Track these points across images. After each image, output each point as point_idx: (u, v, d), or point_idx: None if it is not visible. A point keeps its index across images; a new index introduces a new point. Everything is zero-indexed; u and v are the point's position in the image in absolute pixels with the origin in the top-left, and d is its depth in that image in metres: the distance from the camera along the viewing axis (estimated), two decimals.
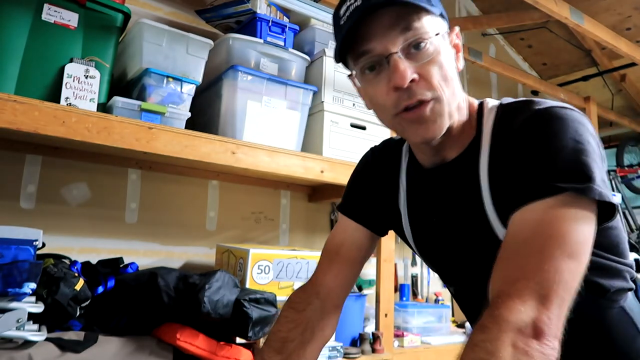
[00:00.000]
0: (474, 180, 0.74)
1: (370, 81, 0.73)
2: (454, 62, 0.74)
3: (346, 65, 0.77)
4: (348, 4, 0.71)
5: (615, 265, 0.75)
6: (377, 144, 0.98)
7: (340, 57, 0.75)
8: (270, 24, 1.63)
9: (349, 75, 0.77)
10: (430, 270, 2.55)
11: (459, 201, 0.78)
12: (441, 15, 0.74)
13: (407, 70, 0.68)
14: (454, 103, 0.73)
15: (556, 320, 0.55)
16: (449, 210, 0.80)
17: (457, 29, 0.78)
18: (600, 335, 0.76)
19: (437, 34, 0.70)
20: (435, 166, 0.80)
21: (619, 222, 0.76)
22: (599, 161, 0.65)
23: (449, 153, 0.78)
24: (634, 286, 0.78)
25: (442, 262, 0.89)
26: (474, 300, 0.63)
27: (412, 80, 0.68)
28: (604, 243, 0.74)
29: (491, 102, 0.79)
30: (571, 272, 0.57)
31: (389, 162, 0.92)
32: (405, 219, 0.90)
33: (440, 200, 0.81)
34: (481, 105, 0.79)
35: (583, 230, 0.60)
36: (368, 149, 0.99)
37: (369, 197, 0.93)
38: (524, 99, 0.74)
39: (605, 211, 0.64)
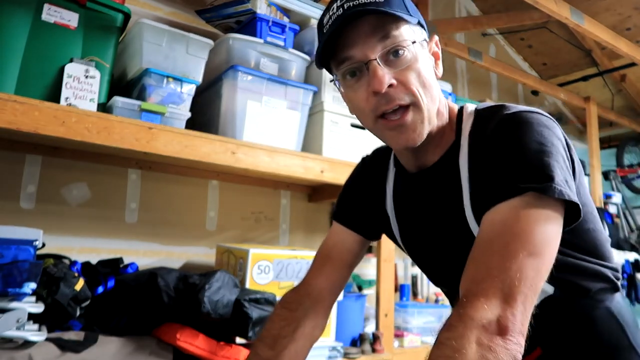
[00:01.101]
0: (455, 182, 0.77)
1: (351, 86, 0.76)
2: (432, 69, 0.78)
3: (329, 71, 0.80)
4: (330, 13, 0.74)
5: (594, 267, 0.77)
6: (369, 153, 1.02)
7: (323, 63, 0.78)
8: (270, 24, 1.63)
9: (331, 81, 0.80)
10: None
11: (440, 204, 0.80)
12: (420, 24, 0.77)
13: (385, 76, 0.71)
14: (433, 109, 0.76)
15: (520, 316, 0.56)
16: (432, 213, 0.83)
17: (436, 37, 0.81)
18: (585, 334, 0.77)
19: (414, 42, 0.73)
20: (418, 170, 0.83)
21: (597, 224, 0.78)
22: (563, 162, 0.67)
23: (430, 157, 0.81)
24: (618, 287, 0.80)
25: (429, 264, 0.91)
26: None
27: (391, 86, 0.71)
28: (581, 245, 0.76)
29: (470, 107, 0.82)
30: (534, 270, 0.59)
31: (377, 170, 0.96)
32: (393, 223, 0.92)
33: (424, 204, 0.84)
34: (461, 110, 0.82)
35: (546, 228, 0.62)
36: (362, 156, 1.04)
37: (358, 204, 0.97)
38: (497, 104, 0.78)
39: (573, 212, 0.66)
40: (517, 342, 0.55)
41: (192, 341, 1.23)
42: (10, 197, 1.50)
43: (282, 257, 1.51)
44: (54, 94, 1.24)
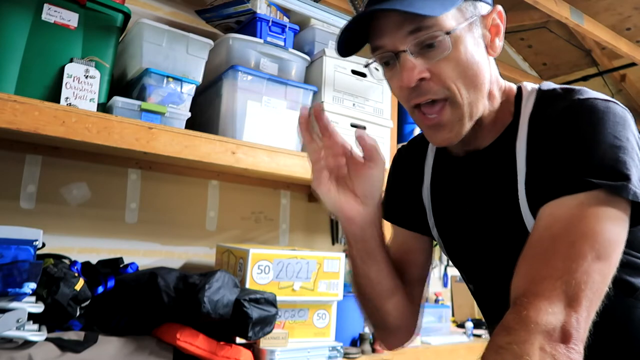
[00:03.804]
0: (510, 167, 0.72)
1: (387, 74, 0.72)
2: (481, 50, 0.70)
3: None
4: None
5: None
6: (405, 143, 0.97)
7: (361, 45, 0.73)
8: (270, 24, 1.63)
9: (366, 65, 0.75)
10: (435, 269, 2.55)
11: (491, 189, 0.75)
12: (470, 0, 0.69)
13: (415, 70, 0.66)
14: (477, 98, 0.70)
15: (584, 323, 0.53)
16: (479, 199, 0.77)
17: (499, 7, 0.72)
18: (624, 335, 0.73)
19: (448, 33, 0.65)
20: (467, 154, 0.78)
21: None
22: (638, 160, 0.62)
23: (481, 140, 0.76)
24: None
25: (466, 256, 0.86)
26: (496, 297, 0.62)
27: (423, 79, 0.66)
28: (634, 242, 0.70)
29: (530, 86, 0.76)
30: (601, 274, 0.56)
31: (413, 156, 0.90)
32: (429, 211, 0.87)
33: (471, 189, 0.79)
34: (520, 89, 0.77)
35: (615, 230, 0.58)
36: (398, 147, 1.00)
37: (397, 196, 0.92)
38: (565, 86, 0.72)
39: (637, 212, 0.61)
40: (579, 350, 0.52)
41: (192, 341, 1.23)
42: (10, 197, 1.50)
43: (282, 257, 1.51)
44: (54, 94, 1.24)
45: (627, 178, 0.59)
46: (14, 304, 1.05)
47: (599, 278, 0.55)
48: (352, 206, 0.72)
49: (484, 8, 0.71)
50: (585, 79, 3.40)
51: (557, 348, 0.51)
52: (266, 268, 1.48)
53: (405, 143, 0.96)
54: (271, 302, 1.34)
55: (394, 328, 0.86)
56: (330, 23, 1.80)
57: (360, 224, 0.74)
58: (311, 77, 1.75)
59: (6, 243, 1.12)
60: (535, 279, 0.56)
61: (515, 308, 0.55)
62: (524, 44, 3.40)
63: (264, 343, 1.39)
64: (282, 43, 1.64)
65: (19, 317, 1.04)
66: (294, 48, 1.68)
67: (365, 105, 1.79)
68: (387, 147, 1.83)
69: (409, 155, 0.92)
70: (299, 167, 1.57)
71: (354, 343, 1.71)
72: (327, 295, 1.56)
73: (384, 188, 0.87)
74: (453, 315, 2.40)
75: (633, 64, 3.10)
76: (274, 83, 1.59)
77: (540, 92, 0.73)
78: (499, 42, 0.72)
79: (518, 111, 0.74)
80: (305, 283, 1.52)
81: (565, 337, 0.52)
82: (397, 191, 0.92)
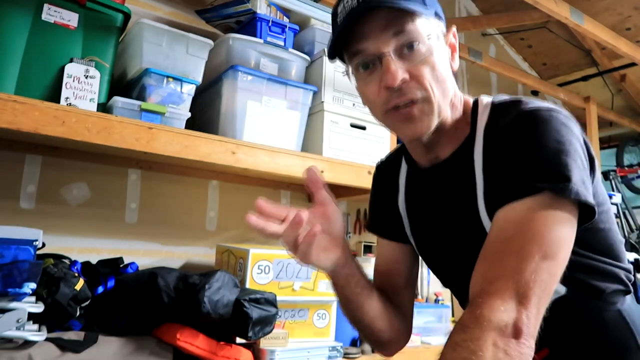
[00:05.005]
0: (469, 177, 0.76)
1: (364, 79, 0.75)
2: (448, 62, 0.76)
3: (342, 61, 0.79)
4: (344, 3, 0.73)
5: (608, 267, 0.76)
6: (382, 158, 1.02)
7: (336, 53, 0.77)
8: (270, 24, 1.63)
9: (344, 73, 0.79)
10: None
11: (453, 199, 0.79)
12: (437, 15, 0.75)
13: (398, 71, 0.70)
14: (445, 102, 0.75)
15: (534, 319, 0.57)
16: (444, 209, 0.82)
17: (453, 28, 0.79)
18: (595, 336, 0.76)
19: (429, 36, 0.72)
20: (431, 165, 0.82)
21: (612, 224, 0.77)
22: (580, 162, 0.66)
23: (443, 151, 0.80)
24: (631, 289, 0.78)
25: (440, 262, 0.90)
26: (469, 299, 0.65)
27: (404, 80, 0.70)
28: (596, 245, 0.75)
29: (485, 99, 0.80)
30: (549, 272, 0.59)
31: (390, 171, 0.95)
32: (405, 221, 0.91)
33: (436, 199, 0.83)
34: (476, 102, 0.81)
35: (561, 230, 0.62)
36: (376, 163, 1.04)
37: (379, 209, 0.97)
38: (514, 98, 0.76)
39: (588, 212, 0.65)
40: (529, 345, 0.55)
41: (192, 341, 1.23)
42: (10, 197, 1.50)
43: (282, 257, 1.51)
44: (54, 94, 1.24)
45: (567, 179, 0.63)
46: (14, 304, 1.05)
47: (546, 276, 0.59)
48: (338, 253, 0.79)
49: (443, 27, 0.78)
50: (585, 79, 3.40)
51: (509, 343, 0.54)
52: (266, 268, 1.48)
53: (383, 158, 1.02)
54: (271, 302, 1.34)
55: (388, 340, 0.91)
56: (330, 23, 1.80)
57: (346, 261, 0.81)
58: (311, 77, 1.75)
59: (6, 243, 1.12)
60: (488, 279, 0.60)
61: (470, 307, 0.59)
62: (524, 44, 3.40)
63: (264, 343, 1.39)
64: (282, 43, 1.64)
65: (19, 317, 1.04)
66: (294, 48, 1.68)
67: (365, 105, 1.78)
68: (387, 148, 1.83)
69: (386, 170, 0.97)
70: (299, 167, 1.57)
71: (354, 343, 1.71)
72: (327, 295, 1.56)
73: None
74: (453, 315, 2.40)
75: (633, 64, 3.10)
76: (274, 83, 1.59)
77: (493, 105, 0.78)
78: (457, 58, 0.79)
79: (475, 123, 0.78)
80: (305, 283, 1.52)
81: (516, 332, 0.55)
82: (378, 204, 0.98)
